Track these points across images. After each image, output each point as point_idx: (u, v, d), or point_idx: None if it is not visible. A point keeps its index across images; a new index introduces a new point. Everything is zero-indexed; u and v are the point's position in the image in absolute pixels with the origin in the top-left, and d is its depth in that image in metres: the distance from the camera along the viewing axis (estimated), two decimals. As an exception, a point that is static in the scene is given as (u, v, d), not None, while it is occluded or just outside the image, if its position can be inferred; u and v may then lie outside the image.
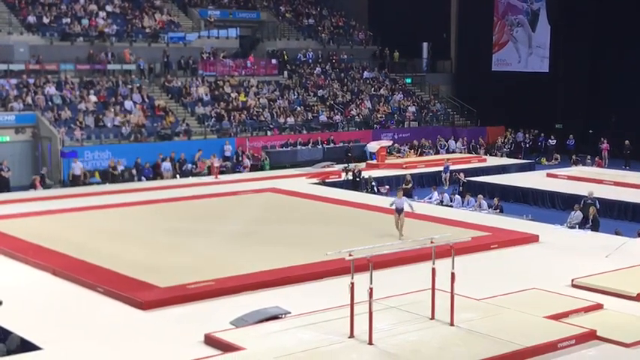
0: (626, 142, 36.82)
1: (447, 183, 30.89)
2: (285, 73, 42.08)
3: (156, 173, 31.35)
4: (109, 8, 39.51)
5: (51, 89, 33.49)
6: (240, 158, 33.95)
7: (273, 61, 42.19)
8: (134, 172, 31.05)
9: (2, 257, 18.52)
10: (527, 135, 41.58)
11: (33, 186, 28.39)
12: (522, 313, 13.69)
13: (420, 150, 38.14)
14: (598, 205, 23.48)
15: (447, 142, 39.60)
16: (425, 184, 31.32)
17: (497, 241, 19.54)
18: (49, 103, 32.75)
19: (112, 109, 33.57)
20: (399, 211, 19.71)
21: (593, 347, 12.58)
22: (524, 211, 25.49)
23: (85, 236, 20.16)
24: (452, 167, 31.91)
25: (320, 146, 36.35)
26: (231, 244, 19.39)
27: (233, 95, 38.03)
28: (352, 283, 12.21)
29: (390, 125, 40.56)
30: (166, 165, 31.43)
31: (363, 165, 33.16)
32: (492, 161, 36.18)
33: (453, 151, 38.87)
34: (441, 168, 31.98)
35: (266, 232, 20.88)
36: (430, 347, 12.18)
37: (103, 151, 31.40)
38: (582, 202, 23.51)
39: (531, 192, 28.63)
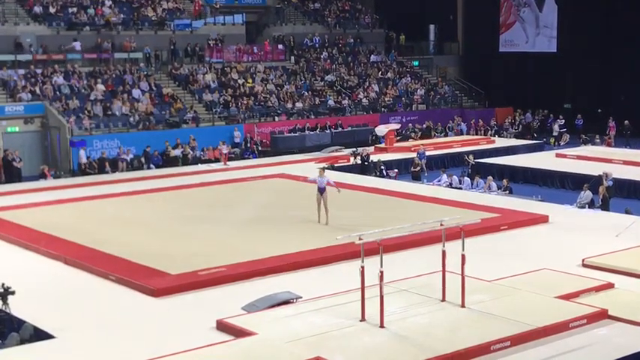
0: (626, 122, 36.49)
1: (425, 170, 30.14)
2: (292, 58, 41.99)
3: (165, 161, 31.41)
4: (114, -3, 39.48)
5: (59, 79, 33.54)
6: (249, 145, 33.98)
7: (280, 46, 42.11)
8: (143, 160, 31.11)
9: (15, 247, 18.66)
10: (536, 116, 41.41)
11: (43, 175, 28.50)
12: (533, 294, 13.70)
13: (430, 132, 38.03)
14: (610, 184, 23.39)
15: (454, 123, 39.45)
16: (434, 166, 31.20)
17: (507, 223, 19.54)
18: (57, 92, 32.81)
19: (120, 98, 33.61)
20: (321, 190, 19.40)
21: (604, 326, 12.58)
22: (534, 191, 25.40)
23: (96, 225, 20.25)
24: (428, 153, 30.98)
25: (328, 131, 36.28)
26: (242, 230, 19.43)
27: (240, 81, 38.01)
28: (362, 267, 12.26)
29: (397, 108, 40.46)
30: (178, 152, 31.55)
31: (371, 149, 33.08)
32: (501, 142, 36.04)
33: (462, 133, 38.76)
34: (449, 150, 31.71)
35: (276, 217, 20.91)
36: (441, 329, 12.21)
37: (111, 140, 31.47)
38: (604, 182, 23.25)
39: (540, 172, 28.51)
